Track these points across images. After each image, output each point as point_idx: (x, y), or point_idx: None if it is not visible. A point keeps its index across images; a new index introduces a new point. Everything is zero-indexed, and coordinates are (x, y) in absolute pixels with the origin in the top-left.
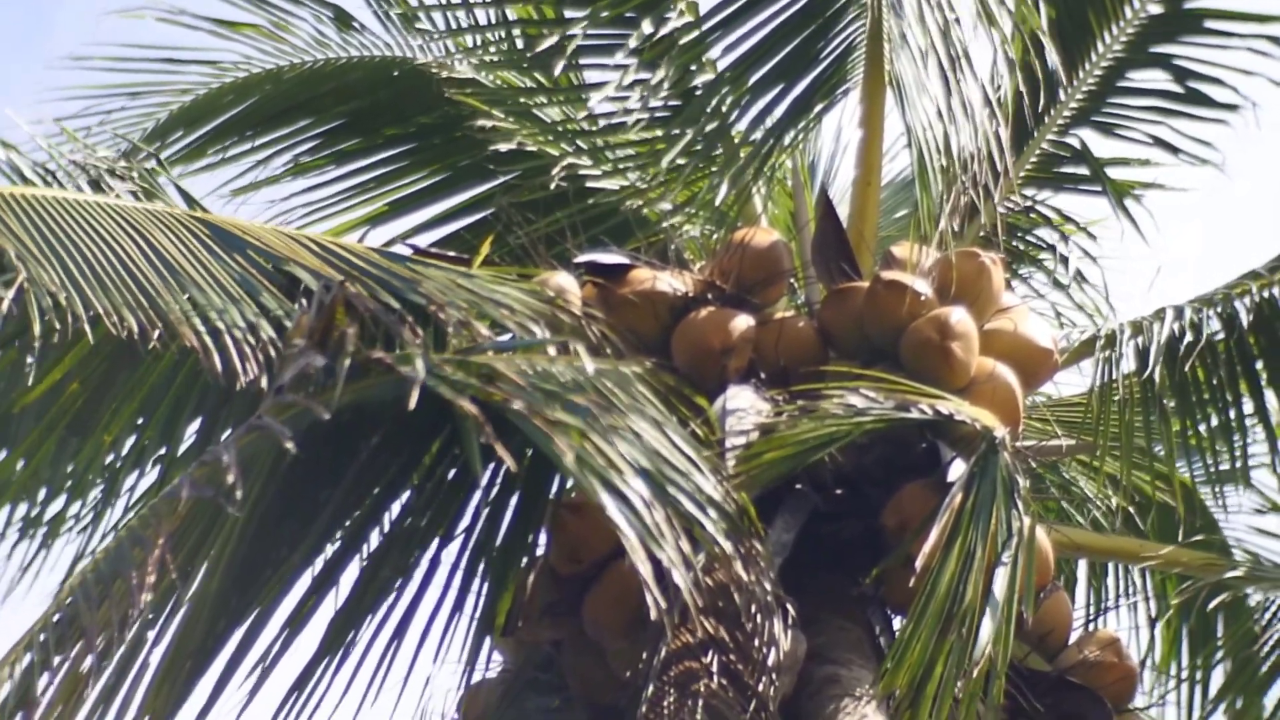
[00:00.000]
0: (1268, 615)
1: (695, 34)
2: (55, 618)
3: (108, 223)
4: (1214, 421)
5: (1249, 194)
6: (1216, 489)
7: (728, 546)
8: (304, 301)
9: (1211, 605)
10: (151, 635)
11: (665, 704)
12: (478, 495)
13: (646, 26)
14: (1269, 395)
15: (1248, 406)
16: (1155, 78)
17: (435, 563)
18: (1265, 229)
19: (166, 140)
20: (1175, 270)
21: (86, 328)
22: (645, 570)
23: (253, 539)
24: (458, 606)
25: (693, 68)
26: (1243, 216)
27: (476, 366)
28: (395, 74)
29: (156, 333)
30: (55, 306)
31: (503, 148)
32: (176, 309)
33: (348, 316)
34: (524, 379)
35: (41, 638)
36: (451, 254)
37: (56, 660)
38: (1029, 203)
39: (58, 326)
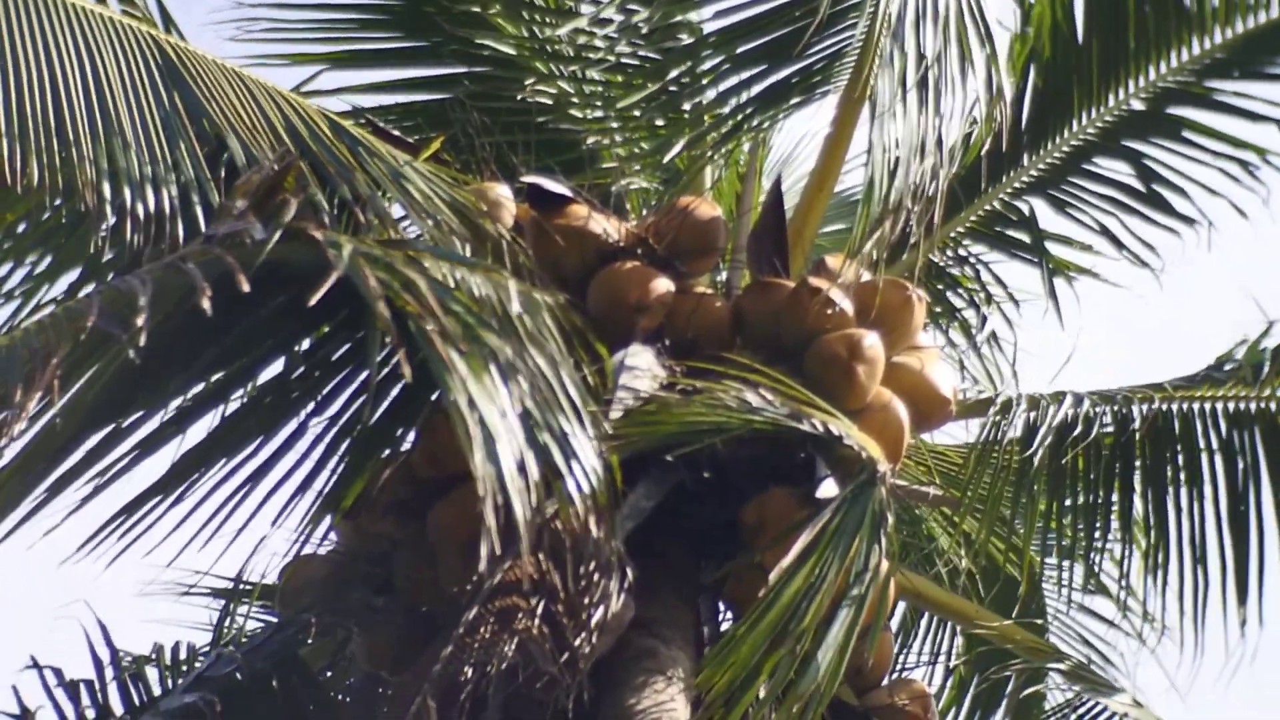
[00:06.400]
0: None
1: None
2: None
3: (61, 26)
4: (1078, 503)
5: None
6: (1060, 565)
7: (582, 507)
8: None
9: (1025, 692)
10: (17, 429)
11: (482, 630)
12: (361, 376)
13: None
14: (1138, 500)
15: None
16: (1118, 169)
17: (301, 429)
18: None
19: None
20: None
21: None
22: (489, 516)
23: (139, 365)
24: (311, 476)
25: (680, 19)
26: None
27: (398, 274)
28: None
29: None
30: None
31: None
32: (88, 168)
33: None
34: (439, 294)
35: None
36: (407, 140)
37: None
38: (964, 253)
39: None
